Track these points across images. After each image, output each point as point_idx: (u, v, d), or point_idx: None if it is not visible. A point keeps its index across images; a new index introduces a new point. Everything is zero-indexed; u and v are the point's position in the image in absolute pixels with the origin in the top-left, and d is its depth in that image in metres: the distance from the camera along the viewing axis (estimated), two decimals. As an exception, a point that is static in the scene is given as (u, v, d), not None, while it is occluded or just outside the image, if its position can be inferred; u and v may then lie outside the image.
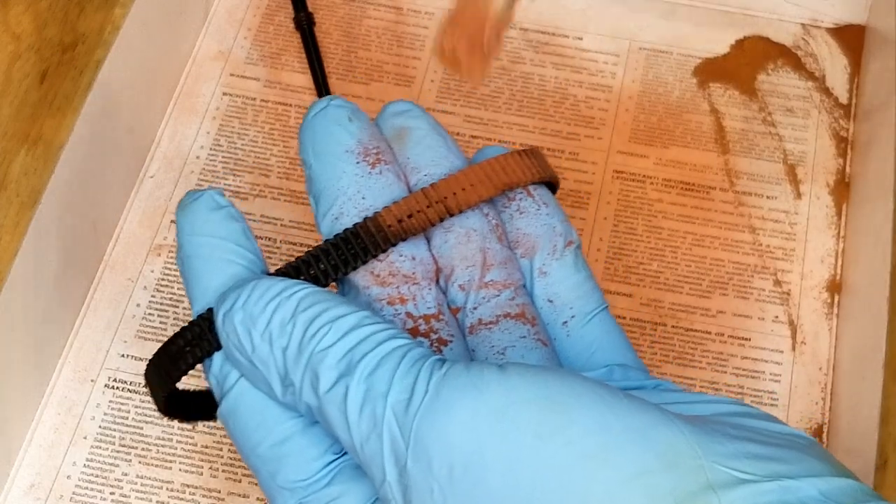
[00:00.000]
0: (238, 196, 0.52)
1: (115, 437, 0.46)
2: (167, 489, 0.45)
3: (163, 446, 0.46)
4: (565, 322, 0.35)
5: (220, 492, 0.45)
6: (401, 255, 0.34)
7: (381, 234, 0.33)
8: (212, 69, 0.55)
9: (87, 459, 0.45)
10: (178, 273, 0.40)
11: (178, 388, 0.35)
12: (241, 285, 0.32)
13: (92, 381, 0.47)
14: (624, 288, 0.50)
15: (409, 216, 0.33)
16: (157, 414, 0.44)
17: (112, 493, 0.45)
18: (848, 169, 0.53)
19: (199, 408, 0.37)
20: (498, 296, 0.35)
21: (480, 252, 0.35)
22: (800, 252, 0.51)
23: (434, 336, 0.33)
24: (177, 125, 0.54)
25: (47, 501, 0.44)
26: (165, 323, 0.49)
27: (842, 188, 0.52)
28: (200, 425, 0.46)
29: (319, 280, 0.33)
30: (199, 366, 0.33)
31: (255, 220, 0.51)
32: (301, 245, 0.50)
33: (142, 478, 0.45)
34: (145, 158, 0.53)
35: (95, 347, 0.48)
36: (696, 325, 0.49)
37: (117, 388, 0.47)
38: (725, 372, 0.48)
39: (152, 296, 0.49)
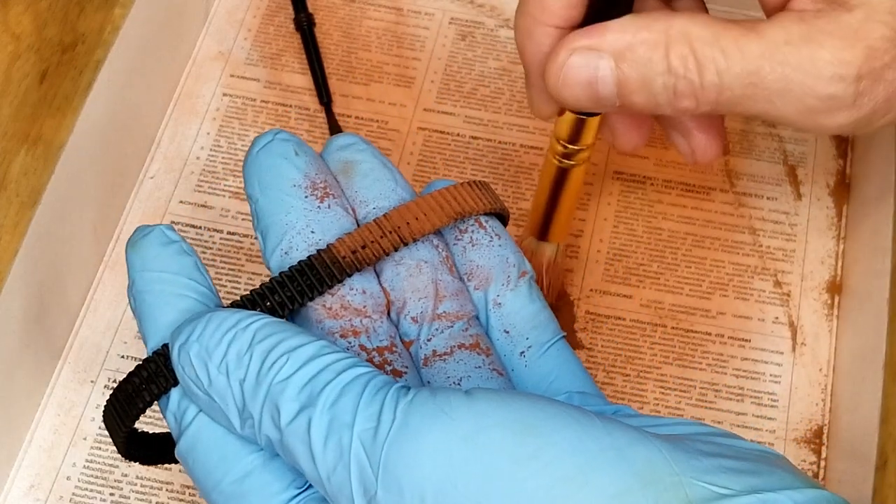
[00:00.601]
0: (238, 197, 0.52)
1: (114, 437, 0.46)
2: (167, 490, 0.45)
3: (162, 447, 0.46)
4: (522, 352, 0.35)
5: (219, 492, 0.45)
6: (351, 289, 0.34)
7: (336, 265, 0.33)
8: (212, 70, 0.55)
9: (87, 460, 0.45)
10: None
11: (137, 430, 0.34)
12: (196, 318, 0.31)
13: (92, 382, 0.47)
14: (624, 289, 0.50)
15: (363, 247, 0.33)
16: (157, 414, 0.44)
17: (112, 494, 0.45)
18: (848, 170, 0.53)
19: (160, 450, 0.36)
20: (451, 327, 0.34)
21: (432, 283, 0.34)
22: (800, 253, 0.51)
23: (388, 368, 0.33)
24: (177, 126, 0.54)
25: (47, 502, 0.44)
26: (165, 323, 0.49)
27: (842, 189, 0.52)
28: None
29: (276, 311, 0.32)
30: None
31: (254, 221, 0.51)
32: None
33: (141, 479, 0.45)
34: (145, 159, 0.53)
35: (95, 348, 0.48)
36: (696, 326, 0.49)
37: (117, 388, 0.47)
38: (725, 373, 0.48)
39: (152, 296, 0.49)
